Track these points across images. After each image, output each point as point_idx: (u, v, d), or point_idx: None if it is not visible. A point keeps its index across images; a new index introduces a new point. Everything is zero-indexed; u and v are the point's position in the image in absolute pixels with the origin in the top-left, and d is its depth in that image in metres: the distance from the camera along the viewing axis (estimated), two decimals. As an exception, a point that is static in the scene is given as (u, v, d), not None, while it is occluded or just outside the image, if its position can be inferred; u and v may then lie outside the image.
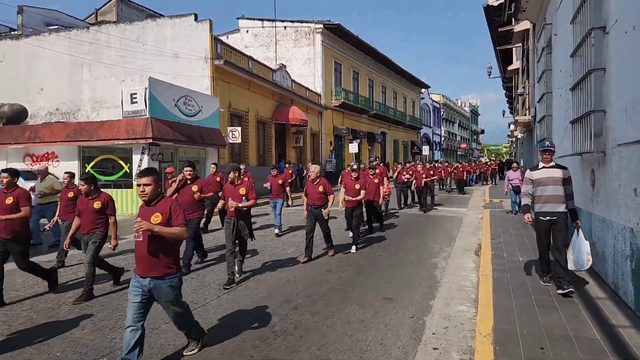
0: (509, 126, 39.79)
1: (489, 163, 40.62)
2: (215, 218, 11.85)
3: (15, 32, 22.22)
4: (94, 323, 5.07)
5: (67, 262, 7.84)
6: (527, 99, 18.02)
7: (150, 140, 14.07)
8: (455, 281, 6.70)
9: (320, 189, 8.13)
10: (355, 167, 9.25)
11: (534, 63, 13.57)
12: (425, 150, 47.14)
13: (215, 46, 18.14)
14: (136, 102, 14.45)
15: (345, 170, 9.28)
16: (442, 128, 63.95)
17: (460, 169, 24.53)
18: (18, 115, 18.63)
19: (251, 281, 6.77)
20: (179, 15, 18.52)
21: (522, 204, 6.11)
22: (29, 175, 13.27)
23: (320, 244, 9.56)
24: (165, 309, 4.03)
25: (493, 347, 4.09)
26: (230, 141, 18.54)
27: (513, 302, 5.31)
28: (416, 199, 16.34)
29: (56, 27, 21.96)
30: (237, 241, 6.68)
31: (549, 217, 5.73)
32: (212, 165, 11.68)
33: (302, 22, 29.51)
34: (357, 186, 8.91)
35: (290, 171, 16.65)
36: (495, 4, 17.52)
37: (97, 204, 6.03)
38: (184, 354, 4.22)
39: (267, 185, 11.27)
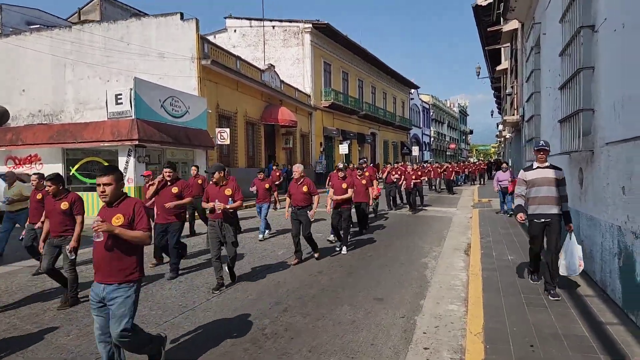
0: (497, 126, 40.18)
1: (477, 163, 40.89)
2: (200, 221, 11.67)
3: (-5, 32, 21.82)
4: (80, 329, 4.96)
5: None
6: (515, 98, 18.15)
7: (136, 142, 13.89)
8: (445, 280, 6.70)
9: (305, 189, 7.87)
10: (341, 166, 9.09)
11: (523, 63, 13.67)
12: (415, 150, 47.35)
13: (202, 46, 17.96)
14: (121, 103, 14.19)
15: (333, 171, 9.19)
16: (431, 128, 64.28)
17: (450, 169, 24.65)
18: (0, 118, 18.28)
19: (241, 284, 6.69)
20: (164, 14, 18.27)
21: (515, 204, 5.87)
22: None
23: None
24: (112, 322, 3.50)
25: (483, 345, 4.08)
26: (219, 142, 18.38)
27: (503, 301, 5.31)
28: (405, 200, 16.36)
29: (38, 26, 21.52)
30: (223, 246, 6.40)
31: (543, 220, 5.52)
32: (193, 168, 11.33)
33: (290, 21, 29.38)
34: (344, 185, 8.76)
35: (277, 173, 16.23)
36: (484, 3, 17.61)
37: (64, 205, 5.74)
38: None
39: (254, 189, 10.88)
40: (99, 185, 3.58)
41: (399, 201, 16.64)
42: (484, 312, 4.94)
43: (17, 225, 8.80)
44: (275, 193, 10.64)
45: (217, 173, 6.37)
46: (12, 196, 8.69)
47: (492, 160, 50.84)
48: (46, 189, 5.96)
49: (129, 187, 14.07)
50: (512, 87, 19.09)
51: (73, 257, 5.61)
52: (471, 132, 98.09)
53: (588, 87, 5.75)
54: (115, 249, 3.52)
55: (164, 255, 7.77)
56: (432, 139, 64.39)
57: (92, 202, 15.32)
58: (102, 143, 14.42)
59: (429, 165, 28.23)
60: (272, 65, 24.90)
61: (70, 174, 15.79)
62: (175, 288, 6.51)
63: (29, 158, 16.29)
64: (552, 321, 4.60)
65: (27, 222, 7.57)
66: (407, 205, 15.76)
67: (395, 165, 17.40)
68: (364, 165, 12.56)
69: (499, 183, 13.26)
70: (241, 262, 8.02)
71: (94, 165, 15.64)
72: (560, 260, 5.46)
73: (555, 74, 7.69)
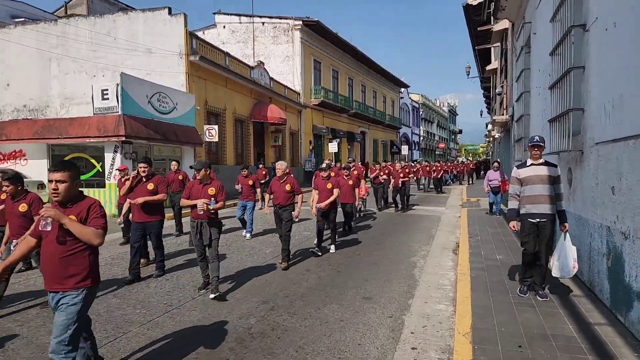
0: (487, 126, 40.37)
1: (466, 163, 41.10)
2: (185, 220, 11.43)
3: (-21, 25, 21.35)
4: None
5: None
6: (505, 98, 18.21)
7: (123, 138, 13.67)
8: (433, 280, 6.67)
9: (287, 187, 7.51)
10: (324, 165, 8.86)
11: (513, 62, 13.70)
12: (405, 149, 47.42)
13: (190, 41, 17.72)
14: (107, 99, 13.94)
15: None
16: (421, 128, 64.54)
17: (439, 169, 24.73)
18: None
19: (228, 282, 6.59)
20: (151, 8, 18.00)
21: (509, 207, 5.61)
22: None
23: (298, 243, 9.46)
24: (54, 332, 3.12)
25: (472, 346, 4.05)
26: (207, 139, 18.22)
27: (491, 301, 5.29)
28: (390, 200, 16.08)
29: (22, 19, 21.11)
30: (206, 247, 6.02)
31: (538, 219, 5.24)
32: (174, 163, 10.91)
33: (280, 18, 29.17)
34: (329, 185, 8.49)
35: (264, 172, 15.76)
36: (475, 3, 17.62)
37: (22, 207, 5.38)
38: None
39: (238, 187, 10.51)
40: (50, 181, 3.17)
41: (390, 200, 16.58)
42: (472, 311, 4.91)
43: None
44: (259, 190, 10.29)
45: (202, 170, 5.96)
46: None
47: (481, 160, 51.20)
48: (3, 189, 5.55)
49: (115, 184, 13.86)
50: (501, 86, 19.15)
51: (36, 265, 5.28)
52: (460, 131, 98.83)
53: (578, 87, 5.74)
54: (65, 249, 3.14)
55: (149, 252, 7.59)
56: (421, 138, 64.66)
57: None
58: (88, 139, 14.18)
59: (417, 164, 28.25)
60: (261, 62, 24.74)
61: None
62: (160, 286, 6.39)
63: (13, 154, 15.98)
64: (541, 321, 4.58)
65: None
66: (394, 205, 15.59)
67: (384, 164, 17.31)
68: (352, 164, 12.42)
69: (490, 183, 12.94)
70: (228, 260, 7.91)
71: (79, 161, 15.40)
72: (554, 261, 5.22)
73: (545, 74, 7.69)
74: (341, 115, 35.73)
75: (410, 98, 59.17)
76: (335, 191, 8.52)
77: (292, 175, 8.12)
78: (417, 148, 61.86)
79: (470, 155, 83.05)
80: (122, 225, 9.10)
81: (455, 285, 6.14)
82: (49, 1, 31.07)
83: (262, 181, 13.80)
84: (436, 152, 71.59)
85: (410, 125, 58.98)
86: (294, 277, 6.85)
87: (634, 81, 4.07)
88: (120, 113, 13.83)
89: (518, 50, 11.67)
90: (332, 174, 9.88)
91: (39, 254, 3.32)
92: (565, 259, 5.12)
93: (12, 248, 5.30)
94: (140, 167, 6.91)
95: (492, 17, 16.27)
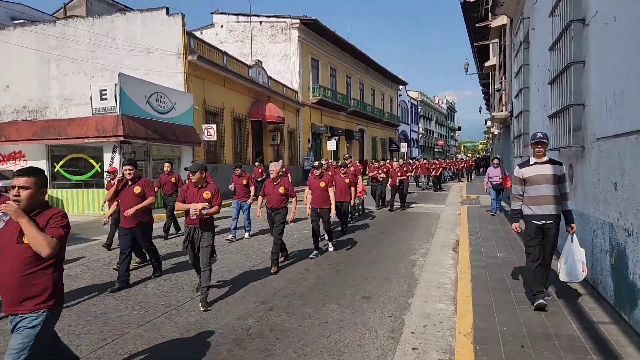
0: (486, 123, 40.30)
1: (465, 160, 41.03)
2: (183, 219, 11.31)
3: (-22, 26, 21.30)
4: (59, 329, 4.70)
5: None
6: (504, 94, 18.16)
7: (122, 138, 13.64)
8: (433, 278, 6.61)
9: (281, 190, 7.26)
10: (316, 164, 8.57)
11: (511, 58, 13.63)
12: (403, 147, 47.33)
13: (188, 41, 17.70)
14: (106, 99, 13.93)
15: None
16: (419, 125, 64.45)
17: (438, 166, 24.63)
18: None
19: (226, 282, 6.53)
20: (149, 9, 18.05)
21: (512, 208, 5.36)
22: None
23: (297, 242, 9.40)
24: (6, 358, 2.81)
25: (473, 346, 3.99)
26: (206, 139, 18.19)
27: (492, 299, 5.22)
28: (387, 198, 15.76)
29: (22, 21, 21.11)
30: (199, 253, 5.65)
31: (543, 222, 4.91)
32: (167, 164, 10.62)
33: (278, 17, 29.12)
34: (322, 184, 8.20)
35: (260, 170, 15.45)
36: (472, -1, 17.54)
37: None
38: None
39: (232, 186, 10.27)
40: (13, 187, 2.89)
41: (388, 198, 16.46)
42: (474, 311, 4.85)
43: None
44: (253, 188, 10.11)
45: (197, 173, 5.66)
46: None
47: (480, 157, 51.12)
48: None
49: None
50: (500, 83, 19.10)
51: None
52: (459, 128, 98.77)
53: (578, 82, 5.68)
54: (28, 267, 2.85)
55: (145, 252, 7.46)
56: (420, 135, 64.56)
57: (78, 200, 15.06)
58: (87, 139, 14.19)
59: (416, 161, 28.18)
60: (259, 61, 24.67)
61: (55, 170, 15.54)
62: (158, 287, 6.34)
63: (12, 155, 16.01)
64: (543, 320, 4.52)
65: None
66: (389, 205, 15.09)
67: (382, 162, 17.12)
68: (348, 162, 12.24)
69: (490, 179, 12.70)
70: (226, 260, 7.86)
71: (78, 162, 15.41)
72: (560, 264, 4.97)
73: (545, 69, 7.63)
74: (339, 113, 35.65)
75: (408, 95, 59.07)
76: (331, 190, 8.26)
77: (288, 175, 7.92)
78: (416, 145, 61.79)
79: (470, 151, 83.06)
80: (107, 227, 8.88)
81: (456, 283, 6.08)
82: (49, 3, 31.03)
83: (259, 179, 13.63)
84: (435, 149, 71.52)
85: (409, 122, 58.91)
86: (292, 277, 6.80)
87: (635, 76, 4.01)
88: (118, 113, 13.83)
89: (517, 46, 11.60)
90: (330, 173, 9.79)
91: None
92: (573, 263, 4.84)
93: None
94: (125, 170, 6.53)
95: (490, 14, 16.19)
